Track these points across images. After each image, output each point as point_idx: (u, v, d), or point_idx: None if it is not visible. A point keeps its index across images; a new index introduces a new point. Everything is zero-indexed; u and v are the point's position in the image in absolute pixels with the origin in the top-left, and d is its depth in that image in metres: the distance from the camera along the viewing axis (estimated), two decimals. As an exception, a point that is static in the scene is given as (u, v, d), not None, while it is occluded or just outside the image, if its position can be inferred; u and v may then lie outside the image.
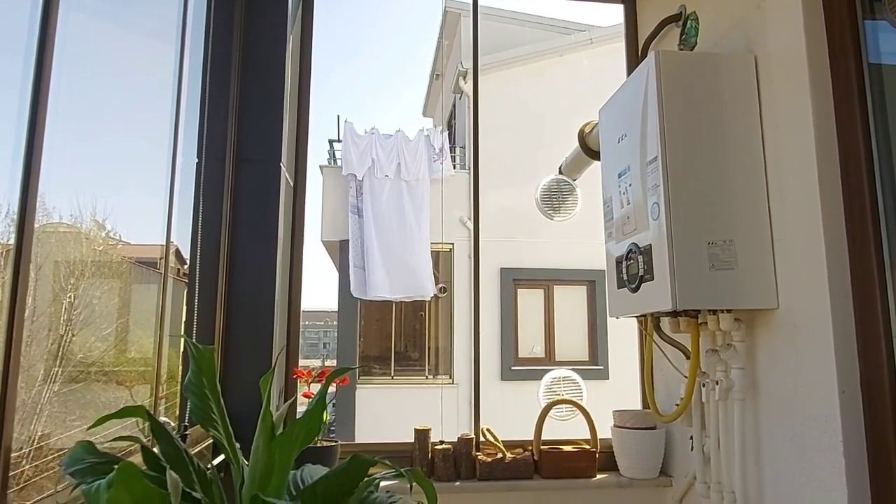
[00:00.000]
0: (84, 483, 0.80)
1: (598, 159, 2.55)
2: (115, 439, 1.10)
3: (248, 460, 1.12)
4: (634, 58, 2.83)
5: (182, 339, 2.26)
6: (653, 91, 1.92)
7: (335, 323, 9.42)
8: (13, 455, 1.16)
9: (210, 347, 1.16)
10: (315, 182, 9.14)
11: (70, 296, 3.38)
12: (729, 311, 1.89)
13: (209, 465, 1.12)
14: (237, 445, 1.13)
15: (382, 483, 1.25)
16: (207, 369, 1.12)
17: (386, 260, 8.00)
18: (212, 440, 2.06)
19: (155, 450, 1.05)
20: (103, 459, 0.91)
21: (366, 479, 1.03)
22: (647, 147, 1.95)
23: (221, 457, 1.94)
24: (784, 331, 1.79)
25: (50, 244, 3.15)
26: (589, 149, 2.91)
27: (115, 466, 0.76)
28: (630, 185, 2.06)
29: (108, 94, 2.86)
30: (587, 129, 2.91)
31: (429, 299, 8.26)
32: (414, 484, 1.11)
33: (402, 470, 1.08)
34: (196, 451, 1.88)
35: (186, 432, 1.81)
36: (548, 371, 3.51)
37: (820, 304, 1.63)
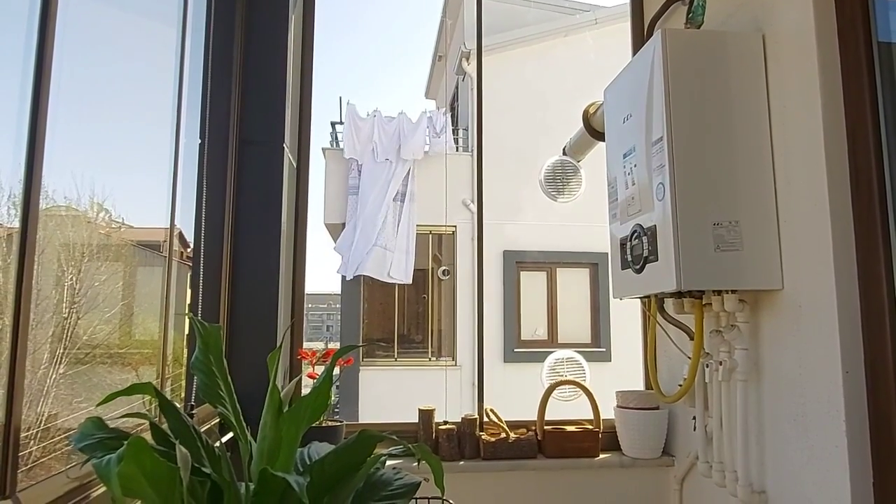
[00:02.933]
0: (94, 457, 0.81)
1: (603, 140, 2.53)
2: (124, 415, 1.11)
3: (254, 439, 1.14)
4: (640, 37, 2.80)
5: (188, 318, 2.27)
6: (659, 70, 1.90)
7: (338, 306, 9.47)
8: (20, 436, 1.18)
9: (216, 325, 1.17)
10: (317, 164, 9.12)
11: (72, 279, 3.39)
12: (733, 291, 1.89)
13: (217, 442, 1.13)
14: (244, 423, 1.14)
15: (388, 462, 1.27)
16: (214, 347, 1.13)
17: (368, 240, 8.06)
18: (217, 420, 2.08)
19: (163, 427, 1.07)
20: (113, 435, 0.92)
21: (372, 455, 1.04)
22: (652, 127, 1.94)
23: (228, 436, 1.96)
24: (788, 311, 1.79)
25: (52, 227, 3.15)
26: (593, 130, 2.89)
27: (125, 441, 0.77)
28: (635, 165, 2.05)
29: (109, 75, 2.84)
30: (592, 110, 2.89)
31: (395, 283, 8.31)
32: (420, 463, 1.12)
33: (410, 445, 1.09)
34: (202, 430, 1.90)
35: (192, 412, 1.83)
36: (550, 353, 3.52)
37: (825, 285, 1.63)
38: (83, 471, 1.17)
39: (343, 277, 8.57)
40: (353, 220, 8.23)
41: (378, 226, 8.15)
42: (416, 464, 1.17)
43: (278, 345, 1.49)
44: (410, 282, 8.36)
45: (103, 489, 1.29)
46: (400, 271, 8.21)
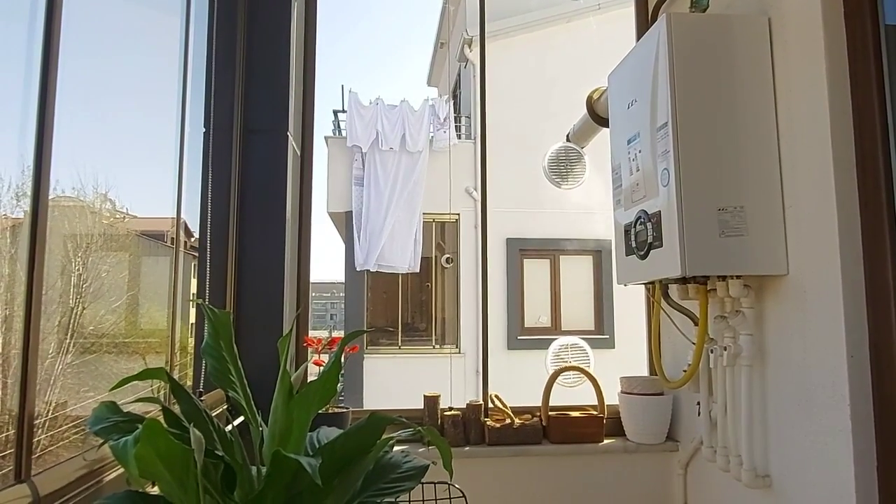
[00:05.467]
0: (111, 440, 0.82)
1: (607, 126, 2.53)
2: (136, 400, 1.13)
3: (265, 423, 1.15)
4: (644, 22, 2.78)
5: (194, 307, 2.28)
6: (664, 55, 1.89)
7: (342, 294, 9.50)
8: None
9: (226, 311, 1.18)
10: (320, 153, 9.12)
11: (78, 269, 3.41)
12: (738, 277, 1.90)
13: (229, 426, 1.15)
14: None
15: (395, 448, 1.28)
16: (224, 332, 1.14)
17: (379, 231, 8.09)
18: (225, 407, 2.10)
19: (175, 410, 1.08)
20: (126, 418, 0.93)
21: (382, 438, 1.05)
22: (657, 112, 1.93)
23: (237, 421, 1.98)
24: (793, 297, 1.79)
25: (57, 217, 3.16)
26: (597, 116, 2.88)
27: (139, 424, 0.79)
28: (639, 151, 2.05)
29: (113, 65, 2.84)
30: (595, 96, 2.88)
31: (404, 272, 8.35)
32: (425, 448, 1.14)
33: (419, 428, 1.10)
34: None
35: (201, 399, 1.85)
36: (553, 341, 3.54)
37: (830, 270, 1.63)
38: (98, 454, 1.19)
39: (346, 266, 8.59)
40: (360, 212, 8.23)
41: (390, 217, 8.16)
42: (422, 449, 1.19)
43: (287, 331, 1.51)
44: (418, 270, 8.40)
45: (115, 474, 1.31)
46: (409, 260, 8.24)
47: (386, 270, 8.31)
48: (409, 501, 1.29)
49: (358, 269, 8.28)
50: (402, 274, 8.58)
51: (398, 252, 8.20)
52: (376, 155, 8.31)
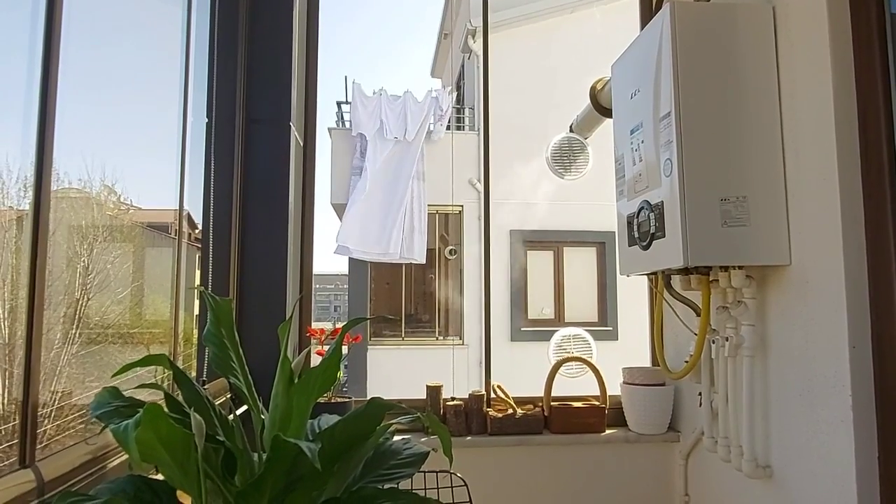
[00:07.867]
0: (112, 423, 0.83)
1: (610, 117, 2.52)
2: (138, 386, 1.13)
3: (266, 410, 1.16)
4: (648, 11, 2.76)
5: (197, 298, 2.29)
6: (667, 44, 1.88)
7: (345, 286, 9.52)
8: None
9: (227, 298, 1.18)
10: (323, 145, 9.11)
11: (84, 260, 3.43)
12: (741, 267, 1.89)
13: (231, 414, 1.16)
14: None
15: (396, 437, 1.29)
16: (226, 320, 1.15)
17: (374, 221, 8.06)
18: (227, 396, 2.11)
19: (177, 397, 1.09)
20: (128, 403, 0.94)
21: (382, 425, 1.06)
22: (660, 102, 1.92)
23: (241, 410, 1.99)
24: (796, 287, 1.79)
25: (62, 209, 3.18)
26: (601, 106, 2.87)
27: (140, 409, 0.79)
28: (642, 141, 2.04)
29: (115, 55, 2.84)
30: (599, 87, 2.87)
31: (416, 262, 8.31)
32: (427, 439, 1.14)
33: (419, 414, 1.11)
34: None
35: (204, 387, 1.86)
36: (557, 332, 3.53)
37: (833, 260, 1.63)
38: (101, 440, 1.20)
39: (350, 258, 8.59)
40: (357, 201, 8.21)
41: (392, 207, 8.14)
42: (424, 438, 1.19)
43: (288, 317, 1.51)
44: (424, 261, 8.38)
45: (119, 460, 1.32)
46: (414, 250, 8.22)
47: (386, 261, 8.28)
48: (411, 490, 1.30)
49: (335, 252, 8.25)
50: (406, 265, 8.58)
51: (402, 242, 8.17)
52: (378, 143, 8.29)
